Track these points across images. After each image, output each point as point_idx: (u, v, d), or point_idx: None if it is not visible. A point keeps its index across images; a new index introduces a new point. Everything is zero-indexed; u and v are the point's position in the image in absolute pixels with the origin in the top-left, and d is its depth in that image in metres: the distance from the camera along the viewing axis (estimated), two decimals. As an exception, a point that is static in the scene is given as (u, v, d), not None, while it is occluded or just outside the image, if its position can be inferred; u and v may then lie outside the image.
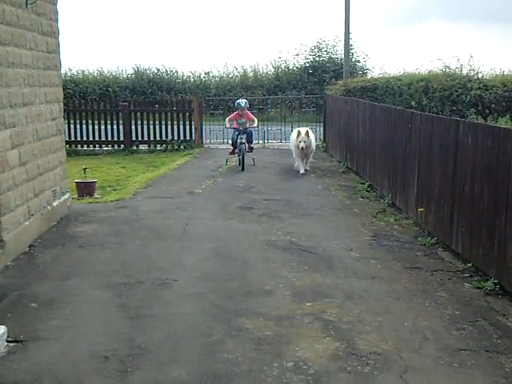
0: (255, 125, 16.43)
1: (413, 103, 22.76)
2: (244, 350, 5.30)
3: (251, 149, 16.26)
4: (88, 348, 5.35)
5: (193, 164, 16.93)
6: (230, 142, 16.74)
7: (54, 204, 9.82)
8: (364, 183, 13.36)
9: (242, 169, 15.40)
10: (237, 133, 15.81)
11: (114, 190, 13.36)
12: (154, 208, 10.96)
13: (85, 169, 12.86)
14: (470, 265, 7.57)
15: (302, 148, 14.67)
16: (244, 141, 15.67)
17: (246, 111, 16.36)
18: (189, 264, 7.74)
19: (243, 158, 15.50)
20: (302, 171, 14.92)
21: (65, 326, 5.85)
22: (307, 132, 14.99)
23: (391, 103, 21.17)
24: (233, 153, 16.19)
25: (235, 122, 16.18)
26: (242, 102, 16.33)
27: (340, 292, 6.73)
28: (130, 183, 13.98)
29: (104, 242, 8.69)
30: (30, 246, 8.42)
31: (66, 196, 10.57)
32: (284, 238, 8.93)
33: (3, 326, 5.50)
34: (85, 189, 12.36)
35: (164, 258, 8.00)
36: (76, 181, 12.57)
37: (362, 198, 12.19)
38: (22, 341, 5.50)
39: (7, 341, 5.45)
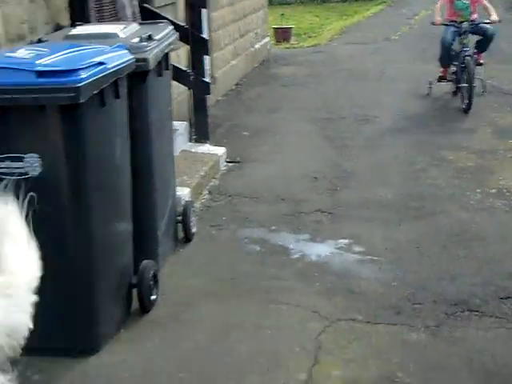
0: (493, 18, 7.70)
1: None
2: (446, 177, 5.50)
3: (480, 64, 8.02)
4: (298, 170, 5.81)
5: (387, 12, 16.67)
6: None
7: (256, 46, 10.24)
8: None
9: (468, 108, 7.27)
10: (453, 35, 7.74)
11: (309, 37, 13.56)
12: (350, 52, 11.10)
13: (282, 14, 13.10)
14: None
15: None
16: (470, 52, 7.62)
17: None
18: (387, 103, 7.92)
19: (471, 86, 7.24)
20: None
21: (275, 151, 6.35)
22: None
23: None
24: (444, 77, 8.16)
25: (451, 10, 7.94)
26: None
27: (546, 131, 6.64)
28: (325, 30, 14.11)
29: (304, 82, 9.05)
30: (236, 84, 8.96)
31: (266, 39, 10.95)
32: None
33: (223, 148, 6.08)
34: (282, 34, 12.67)
35: (363, 97, 8.22)
36: (274, 26, 12.88)
37: None
38: (238, 162, 6.07)
39: (226, 161, 6.05)
